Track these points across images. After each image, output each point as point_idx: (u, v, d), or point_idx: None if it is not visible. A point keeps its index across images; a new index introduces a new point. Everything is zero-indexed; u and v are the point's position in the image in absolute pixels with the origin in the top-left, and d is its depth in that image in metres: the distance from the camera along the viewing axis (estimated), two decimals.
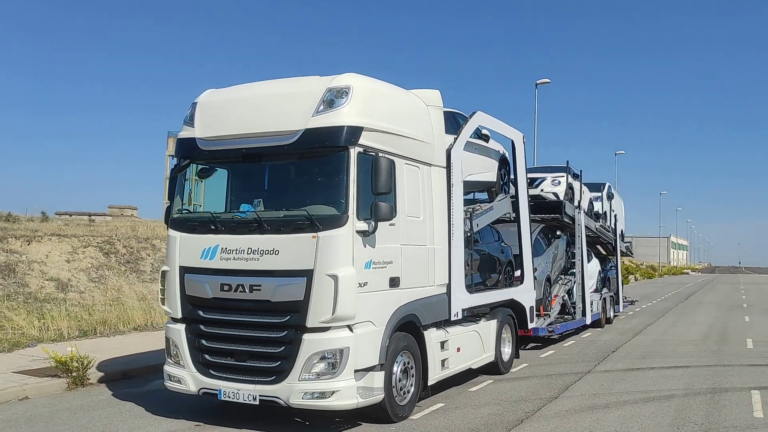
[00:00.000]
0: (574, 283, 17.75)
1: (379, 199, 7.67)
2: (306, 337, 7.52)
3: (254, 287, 7.76)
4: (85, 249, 25.37)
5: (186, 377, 8.21)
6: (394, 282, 8.28)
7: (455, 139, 10.07)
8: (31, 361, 11.57)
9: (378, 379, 7.81)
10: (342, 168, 7.64)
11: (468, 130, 10.53)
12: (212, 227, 8.17)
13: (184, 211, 8.71)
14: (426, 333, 8.94)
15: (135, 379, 11.07)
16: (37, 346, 12.44)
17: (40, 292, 20.50)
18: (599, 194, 21.97)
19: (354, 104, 7.74)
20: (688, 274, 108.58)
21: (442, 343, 9.44)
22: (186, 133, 8.62)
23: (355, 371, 7.55)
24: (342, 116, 7.67)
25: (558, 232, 17.63)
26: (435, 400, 9.38)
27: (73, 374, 10.36)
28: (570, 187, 17.54)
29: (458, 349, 9.92)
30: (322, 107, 7.72)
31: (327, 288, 7.41)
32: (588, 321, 17.89)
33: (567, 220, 17.17)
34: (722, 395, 10.25)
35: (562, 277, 17.77)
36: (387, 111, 8.38)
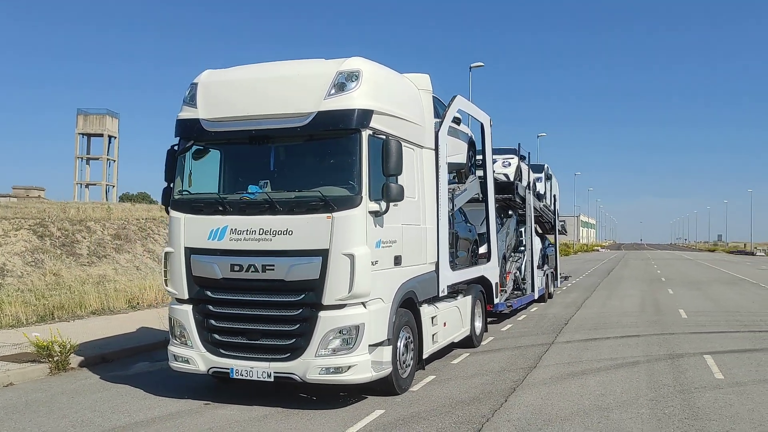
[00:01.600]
0: (523, 260, 18.59)
1: (390, 181, 7.95)
2: (322, 314, 7.75)
3: (267, 267, 7.90)
4: (17, 232, 24.31)
5: (194, 357, 8.27)
6: (397, 260, 8.61)
7: (440, 122, 10.44)
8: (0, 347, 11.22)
9: (387, 353, 8.14)
10: (355, 150, 7.87)
11: (451, 113, 10.91)
12: (220, 208, 8.22)
13: (184, 193, 8.69)
14: (421, 309, 9.33)
15: (114, 363, 10.93)
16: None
17: None
18: (540, 175, 22.91)
19: (364, 88, 7.96)
20: (599, 251, 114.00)
21: (433, 319, 9.85)
22: (187, 113, 8.57)
23: (369, 346, 7.86)
24: (354, 100, 7.87)
25: (510, 212, 18.37)
26: (425, 374, 9.79)
27: (55, 359, 10.16)
28: (518, 169, 18.29)
29: (444, 324, 10.38)
30: (333, 90, 7.90)
31: (343, 267, 7.66)
32: (536, 296, 18.85)
33: (518, 200, 17.95)
34: (680, 360, 11.18)
35: (513, 254, 18.56)
36: (391, 95, 8.64)
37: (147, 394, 8.78)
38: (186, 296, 8.33)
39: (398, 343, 8.52)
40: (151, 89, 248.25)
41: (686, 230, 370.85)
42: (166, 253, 8.54)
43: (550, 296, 21.85)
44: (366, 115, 7.91)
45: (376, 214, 7.98)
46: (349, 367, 7.76)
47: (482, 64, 34.81)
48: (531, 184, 20.48)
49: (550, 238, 24.42)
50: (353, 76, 7.96)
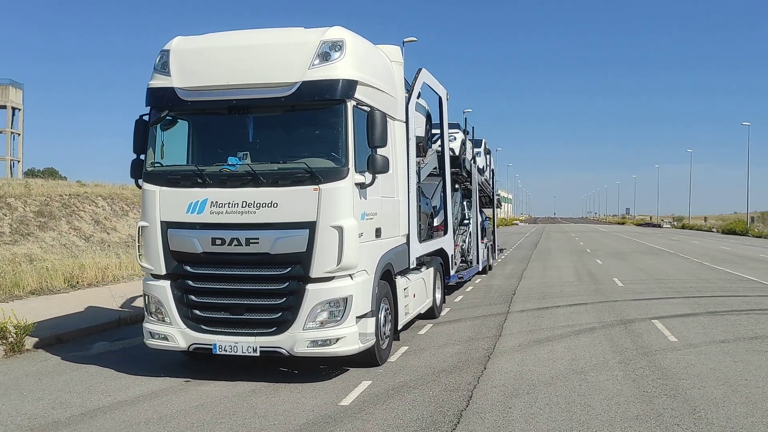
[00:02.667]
0: (468, 233, 18.94)
1: (375, 153, 7.92)
2: (310, 287, 7.68)
3: (251, 240, 7.74)
4: None
5: (174, 334, 8.05)
6: (378, 233, 8.62)
7: (409, 94, 10.44)
8: None
9: (371, 324, 8.17)
10: (340, 121, 7.78)
11: (418, 85, 10.94)
12: (199, 180, 7.97)
13: (157, 165, 8.36)
14: (396, 280, 9.40)
15: (71, 343, 10.50)
16: None
17: None
18: (479, 150, 23.30)
19: (349, 58, 7.86)
20: (518, 224, 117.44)
21: (405, 290, 9.94)
22: (159, 82, 8.21)
23: (356, 318, 7.86)
24: (338, 70, 7.76)
25: (456, 186, 18.62)
26: (399, 345, 9.88)
27: (9, 341, 9.65)
28: (463, 143, 18.54)
29: (414, 296, 10.50)
30: (317, 60, 7.75)
31: (331, 239, 7.60)
32: (480, 268, 19.29)
33: (464, 174, 18.22)
34: (632, 325, 11.75)
35: (459, 227, 18.87)
36: (371, 66, 8.57)
37: (119, 374, 8.49)
38: (163, 272, 8.06)
39: (379, 315, 8.56)
40: (60, 59, 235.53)
41: (597, 204, 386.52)
42: (141, 227, 8.22)
43: (490, 268, 22.42)
44: (351, 85, 7.82)
45: (362, 186, 7.95)
46: (338, 340, 7.74)
47: (415, 39, 34.81)
48: (474, 159, 20.84)
49: (487, 211, 24.95)
50: (337, 45, 7.83)
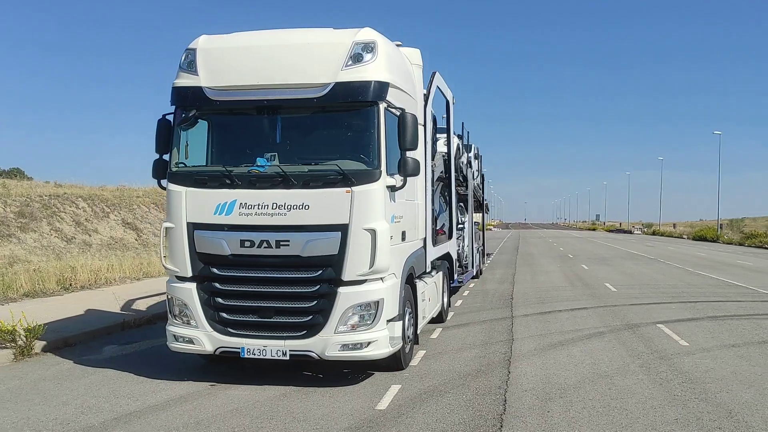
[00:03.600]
0: (463, 237, 18.99)
1: (406, 155, 7.88)
2: (342, 290, 7.61)
3: (282, 243, 7.64)
4: None
5: (200, 337, 7.90)
6: (403, 236, 8.60)
7: (426, 97, 10.44)
8: None
9: (398, 328, 8.13)
10: (372, 124, 7.73)
11: (433, 88, 10.94)
12: (227, 181, 7.84)
13: (180, 165, 8.22)
14: (416, 284, 9.37)
15: (78, 347, 10.28)
16: None
17: None
18: (470, 155, 23.40)
19: (380, 60, 7.82)
20: (491, 230, 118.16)
21: (422, 294, 9.91)
22: (186, 81, 8.07)
23: (387, 321, 7.81)
24: (371, 72, 7.72)
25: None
26: (417, 348, 9.83)
27: (19, 343, 9.40)
28: (459, 148, 18.60)
29: (429, 299, 10.47)
30: (350, 61, 7.70)
31: (364, 242, 7.54)
32: (474, 272, 19.36)
33: (461, 179, 18.26)
34: (639, 329, 11.87)
35: (456, 232, 18.90)
36: (397, 68, 8.54)
37: (140, 378, 8.32)
38: (189, 274, 7.92)
39: (405, 318, 8.52)
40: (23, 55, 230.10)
41: (567, 210, 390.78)
42: (166, 229, 8.06)
43: (481, 272, 22.51)
44: (383, 87, 7.79)
45: (392, 189, 7.91)
46: (369, 343, 7.68)
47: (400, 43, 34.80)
48: (469, 163, 20.93)
49: (476, 216, 25.06)
50: (369, 47, 7.79)
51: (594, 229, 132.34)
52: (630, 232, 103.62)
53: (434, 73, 11.23)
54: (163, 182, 8.29)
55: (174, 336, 8.11)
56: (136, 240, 31.57)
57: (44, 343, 9.93)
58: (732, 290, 18.75)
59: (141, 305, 13.76)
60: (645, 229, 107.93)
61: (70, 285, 15.82)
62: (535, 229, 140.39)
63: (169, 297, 8.18)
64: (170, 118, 8.32)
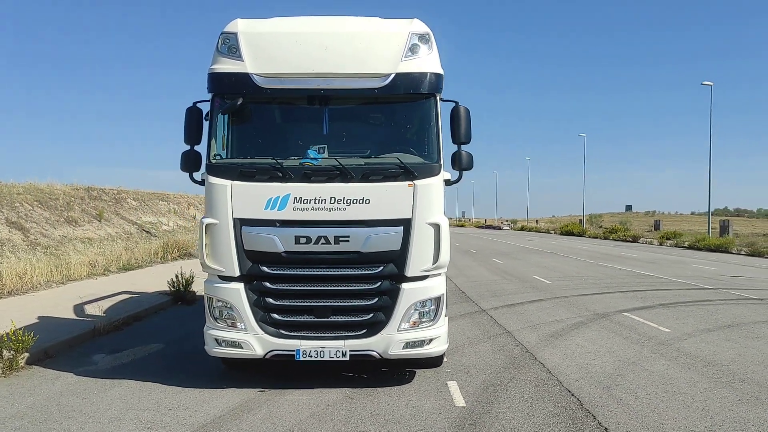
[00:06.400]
0: None
1: (461, 149, 7.81)
2: (405, 286, 7.42)
3: (341, 238, 7.32)
4: None
5: (249, 340, 7.38)
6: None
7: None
8: None
9: (446, 324, 8.05)
10: (431, 116, 7.62)
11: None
12: (279, 174, 7.38)
13: (218, 157, 7.64)
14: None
15: (59, 357, 9.30)
16: None
17: None
18: None
19: (435, 52, 7.72)
20: None
21: None
22: (229, 66, 7.49)
23: (445, 317, 7.73)
24: (430, 63, 7.60)
25: None
26: None
27: (6, 357, 8.37)
28: None
29: None
30: (409, 53, 7.52)
31: (427, 236, 7.41)
32: None
33: None
34: (613, 318, 12.51)
35: None
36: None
37: (173, 387, 7.67)
38: (236, 273, 7.37)
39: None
40: None
41: None
42: (207, 225, 7.45)
43: None
44: (439, 79, 7.69)
45: (447, 183, 7.82)
46: (431, 340, 7.55)
47: None
48: None
49: None
50: (424, 38, 7.65)
51: (463, 225, 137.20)
52: (499, 228, 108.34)
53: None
54: (197, 175, 7.69)
55: (216, 340, 7.52)
56: (23, 241, 28.84)
57: (27, 355, 8.88)
58: (649, 280, 20.20)
59: (90, 309, 12.64)
60: (511, 225, 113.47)
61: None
62: None
63: (209, 298, 7.58)
64: (201, 106, 7.73)
